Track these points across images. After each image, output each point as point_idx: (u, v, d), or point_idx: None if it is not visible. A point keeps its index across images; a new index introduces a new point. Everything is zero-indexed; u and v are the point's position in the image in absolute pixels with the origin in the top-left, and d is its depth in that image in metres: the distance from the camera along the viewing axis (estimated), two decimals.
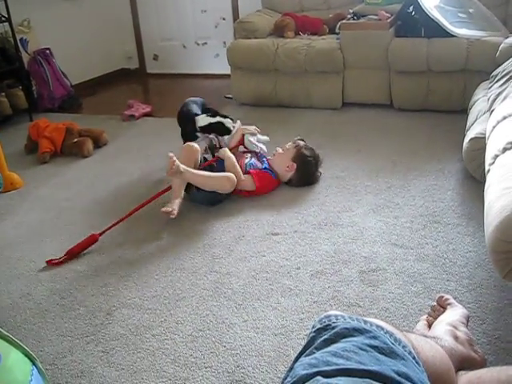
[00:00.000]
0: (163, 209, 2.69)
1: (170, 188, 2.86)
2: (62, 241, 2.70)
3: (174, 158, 2.71)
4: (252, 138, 3.17)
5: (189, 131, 3.29)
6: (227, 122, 3.25)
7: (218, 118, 3.26)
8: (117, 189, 3.27)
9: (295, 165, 3.04)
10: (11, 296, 2.28)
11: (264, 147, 3.20)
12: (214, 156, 3.10)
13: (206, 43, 6.10)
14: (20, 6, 4.92)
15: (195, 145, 3.02)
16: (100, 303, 2.18)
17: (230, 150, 3.11)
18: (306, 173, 3.07)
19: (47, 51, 5.09)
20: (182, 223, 2.77)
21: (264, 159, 3.15)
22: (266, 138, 3.26)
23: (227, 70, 4.86)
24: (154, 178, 3.33)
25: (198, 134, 3.26)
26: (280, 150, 3.11)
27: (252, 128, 3.24)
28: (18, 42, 4.77)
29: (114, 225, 2.69)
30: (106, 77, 6.12)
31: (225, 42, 5.66)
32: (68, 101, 5.22)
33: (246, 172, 3.01)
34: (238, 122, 3.32)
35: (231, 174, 2.88)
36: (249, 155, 3.13)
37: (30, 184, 3.44)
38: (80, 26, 5.71)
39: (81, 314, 2.12)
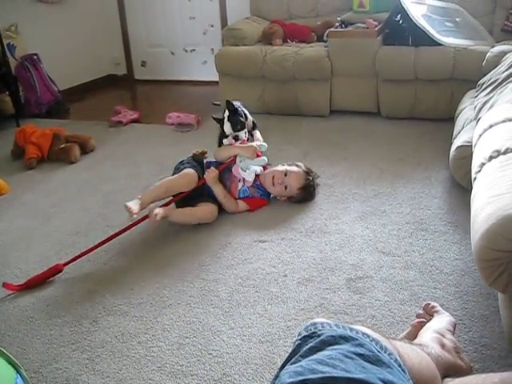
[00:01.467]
0: (128, 204, 2.62)
1: (145, 218, 2.66)
2: (48, 247, 2.68)
3: (155, 212, 2.59)
4: (243, 163, 2.92)
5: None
6: (227, 126, 2.97)
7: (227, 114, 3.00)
8: (104, 195, 3.26)
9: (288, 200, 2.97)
10: None
11: (251, 177, 2.92)
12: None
13: (194, 50, 6.10)
14: (7, 11, 4.92)
15: (192, 174, 2.84)
16: (86, 310, 2.16)
17: (220, 168, 2.92)
18: (305, 201, 2.97)
19: (35, 57, 5.07)
20: (170, 230, 2.76)
21: (257, 184, 2.97)
22: (259, 168, 2.95)
23: (215, 77, 4.87)
24: (141, 185, 3.32)
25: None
26: (277, 179, 2.89)
27: (254, 146, 2.96)
28: (5, 47, 4.75)
29: (79, 256, 2.51)
30: (94, 83, 6.10)
31: (213, 49, 5.66)
32: (55, 106, 5.20)
33: (238, 198, 2.93)
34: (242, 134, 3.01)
35: (213, 209, 2.80)
36: (242, 178, 2.95)
37: (16, 190, 3.42)
38: (68, 31, 5.70)
39: (66, 322, 2.10)
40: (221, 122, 3.01)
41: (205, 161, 3.03)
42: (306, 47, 4.52)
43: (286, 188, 2.92)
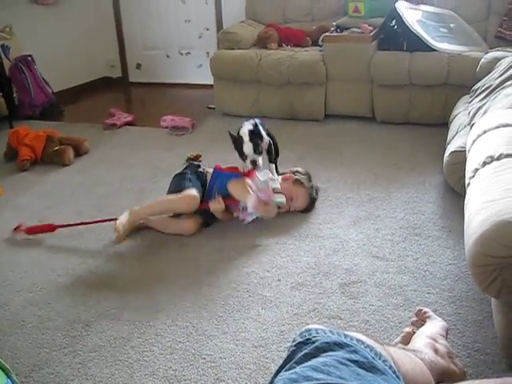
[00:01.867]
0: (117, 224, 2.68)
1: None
2: (42, 250, 2.67)
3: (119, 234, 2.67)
4: (256, 213, 2.72)
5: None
6: (248, 146, 2.79)
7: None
8: (97, 198, 3.24)
9: None
10: None
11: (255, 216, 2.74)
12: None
13: (189, 53, 6.10)
14: (1, 13, 4.90)
15: (193, 197, 2.72)
16: (78, 314, 2.15)
17: (226, 202, 2.76)
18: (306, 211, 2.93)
19: (29, 58, 5.04)
20: (163, 234, 2.75)
21: None
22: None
23: (210, 81, 4.86)
24: (135, 187, 3.31)
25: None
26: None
27: (274, 210, 2.81)
28: (0, 48, 4.73)
29: (74, 224, 2.80)
30: (88, 85, 6.08)
31: (208, 53, 5.65)
32: (49, 108, 5.17)
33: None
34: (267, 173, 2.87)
35: (196, 224, 2.73)
36: (241, 208, 2.76)
37: (9, 192, 3.40)
38: (63, 33, 5.68)
39: (58, 326, 2.09)
40: (238, 139, 2.82)
41: (211, 171, 2.90)
42: (301, 51, 4.52)
43: (289, 209, 2.88)
